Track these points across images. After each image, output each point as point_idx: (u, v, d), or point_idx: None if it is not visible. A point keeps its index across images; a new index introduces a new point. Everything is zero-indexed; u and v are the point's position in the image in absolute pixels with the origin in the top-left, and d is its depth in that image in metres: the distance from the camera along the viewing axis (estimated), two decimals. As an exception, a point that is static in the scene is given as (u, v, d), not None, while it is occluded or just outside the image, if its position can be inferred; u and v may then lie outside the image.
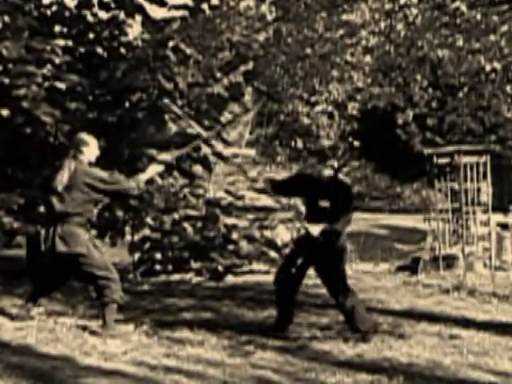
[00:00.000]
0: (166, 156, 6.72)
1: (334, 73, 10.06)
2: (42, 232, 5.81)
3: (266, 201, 9.92)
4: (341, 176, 6.38)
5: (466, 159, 10.90)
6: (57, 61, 7.75)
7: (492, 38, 7.62)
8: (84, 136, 5.99)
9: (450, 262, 11.18)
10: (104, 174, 5.80)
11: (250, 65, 9.24)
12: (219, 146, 9.27)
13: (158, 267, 9.31)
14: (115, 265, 6.38)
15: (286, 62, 9.63)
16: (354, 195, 6.39)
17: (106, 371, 4.57)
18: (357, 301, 6.03)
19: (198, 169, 9.91)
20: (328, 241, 5.83)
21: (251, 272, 9.50)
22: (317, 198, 5.97)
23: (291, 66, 9.89)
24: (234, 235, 9.46)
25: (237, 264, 9.37)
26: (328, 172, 6.03)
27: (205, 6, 8.89)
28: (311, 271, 6.21)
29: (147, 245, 9.46)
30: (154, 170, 6.26)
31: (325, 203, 5.91)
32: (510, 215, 13.43)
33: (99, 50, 8.73)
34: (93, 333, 5.63)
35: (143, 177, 6.08)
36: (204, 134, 6.56)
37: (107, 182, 5.77)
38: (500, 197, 16.68)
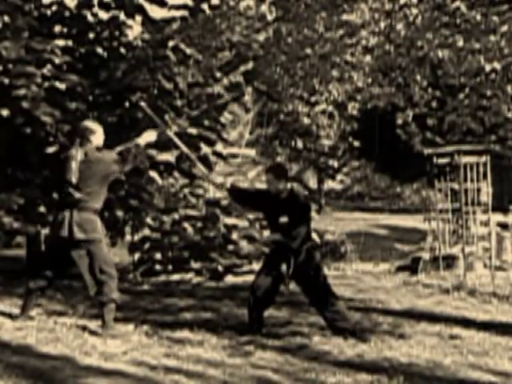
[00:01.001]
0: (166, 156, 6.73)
1: (334, 73, 10.07)
2: (58, 218, 5.74)
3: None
4: (298, 190, 6.33)
5: (465, 159, 10.89)
6: (57, 61, 7.75)
7: (492, 38, 7.61)
8: (90, 124, 6.00)
9: (449, 261, 11.19)
10: (114, 156, 5.77)
11: (250, 65, 9.24)
12: (219, 146, 9.28)
13: (158, 267, 9.32)
14: (115, 265, 6.38)
15: (286, 61, 9.63)
16: (310, 208, 6.32)
17: (106, 371, 4.57)
18: (339, 305, 5.98)
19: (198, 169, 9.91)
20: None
21: (251, 272, 9.49)
22: (276, 214, 5.96)
23: (291, 66, 9.89)
24: (234, 235, 9.47)
25: (237, 264, 9.38)
26: (284, 187, 6.01)
27: (205, 6, 8.90)
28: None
29: (147, 245, 9.46)
30: (148, 136, 6.18)
31: (284, 219, 5.90)
32: (510, 215, 13.44)
33: (99, 50, 8.74)
34: (93, 333, 5.63)
35: (140, 140, 6.03)
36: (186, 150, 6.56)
37: (119, 162, 5.76)
38: (500, 197, 16.67)
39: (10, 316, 6.04)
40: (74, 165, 5.66)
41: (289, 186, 6.10)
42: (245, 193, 6.66)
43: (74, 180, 5.64)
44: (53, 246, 5.89)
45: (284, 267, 5.91)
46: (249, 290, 6.08)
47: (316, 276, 5.96)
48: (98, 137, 5.90)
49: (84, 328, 5.78)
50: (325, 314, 5.94)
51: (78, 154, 5.71)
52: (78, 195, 5.64)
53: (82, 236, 5.60)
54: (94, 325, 5.87)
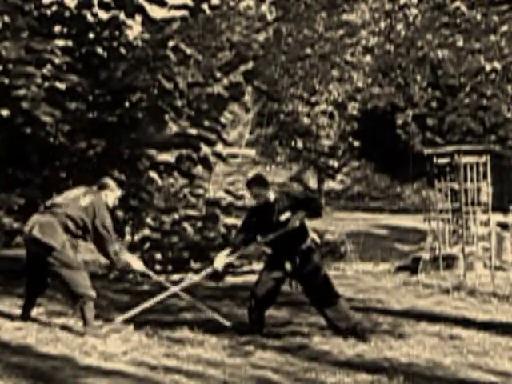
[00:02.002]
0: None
1: (334, 73, 10.08)
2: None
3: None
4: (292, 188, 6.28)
5: (465, 159, 10.89)
6: (57, 61, 7.75)
7: (492, 38, 7.62)
8: (111, 182, 6.13)
9: (450, 262, 11.18)
10: (107, 219, 5.79)
11: (250, 65, 9.25)
12: (219, 146, 9.28)
13: (158, 267, 9.31)
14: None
15: (286, 61, 9.64)
16: (308, 195, 6.24)
17: (106, 371, 4.57)
18: (341, 305, 5.98)
19: (198, 169, 9.92)
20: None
21: (251, 272, 9.49)
22: (275, 220, 5.95)
23: (291, 66, 9.90)
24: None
25: (237, 264, 9.37)
26: (270, 194, 6.01)
27: (205, 6, 8.90)
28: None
29: (147, 245, 9.46)
30: (138, 264, 6.23)
31: (284, 216, 5.90)
32: (510, 215, 13.43)
33: (99, 50, 8.73)
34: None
35: (126, 257, 6.04)
36: None
37: (101, 225, 5.74)
38: (500, 197, 16.65)
39: (10, 316, 6.04)
40: (86, 196, 5.84)
41: (270, 193, 6.08)
42: (243, 234, 6.28)
43: (82, 204, 5.78)
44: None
45: (289, 265, 5.91)
46: (250, 291, 6.07)
47: (317, 275, 5.96)
48: (113, 195, 6.05)
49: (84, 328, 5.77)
50: (326, 314, 5.93)
51: (90, 194, 5.87)
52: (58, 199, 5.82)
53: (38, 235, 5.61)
54: (93, 325, 5.87)
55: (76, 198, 5.81)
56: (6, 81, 7.52)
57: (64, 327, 5.76)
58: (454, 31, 7.86)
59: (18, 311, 6.14)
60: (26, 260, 5.90)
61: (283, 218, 5.90)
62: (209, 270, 6.39)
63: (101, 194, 5.95)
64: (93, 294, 5.66)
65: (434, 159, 11.32)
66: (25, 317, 5.88)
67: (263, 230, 6.04)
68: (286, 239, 5.93)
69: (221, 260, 6.19)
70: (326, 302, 5.93)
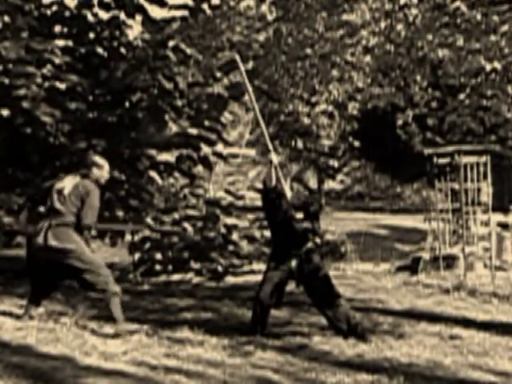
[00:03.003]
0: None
1: (334, 73, 10.06)
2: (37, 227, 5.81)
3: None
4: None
5: (466, 159, 10.89)
6: (57, 61, 7.75)
7: (492, 37, 7.61)
8: (97, 159, 6.07)
9: (450, 262, 11.19)
10: (95, 201, 5.78)
11: (250, 65, 9.24)
12: (219, 146, 9.28)
13: (158, 267, 9.32)
14: (115, 264, 6.38)
15: (286, 61, 9.63)
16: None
17: (106, 371, 4.57)
18: (343, 305, 5.97)
19: (198, 169, 9.92)
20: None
21: (251, 272, 9.49)
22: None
23: (291, 66, 9.89)
24: (234, 235, 9.46)
25: (237, 264, 9.38)
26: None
27: (205, 6, 8.90)
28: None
29: (147, 245, 9.46)
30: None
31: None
32: (511, 215, 13.44)
33: (99, 50, 8.73)
34: (93, 332, 5.63)
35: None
36: None
37: (89, 205, 5.75)
38: (500, 197, 16.66)
39: (11, 316, 6.04)
40: (70, 182, 5.81)
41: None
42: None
43: (65, 192, 5.76)
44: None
45: (294, 263, 5.91)
46: (255, 293, 6.06)
47: (318, 276, 5.96)
48: (101, 172, 5.98)
49: (84, 328, 5.78)
50: (327, 314, 5.93)
51: (76, 178, 5.83)
52: (58, 206, 5.76)
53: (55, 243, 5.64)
54: (94, 325, 5.88)
55: (61, 190, 5.78)
56: (6, 81, 7.52)
57: (64, 327, 5.76)
58: (454, 31, 7.86)
59: (18, 311, 6.14)
60: (35, 264, 5.88)
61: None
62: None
63: (88, 174, 5.87)
64: (117, 289, 5.69)
65: (434, 159, 11.33)
66: (25, 317, 5.88)
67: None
68: (288, 239, 5.94)
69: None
70: (326, 302, 5.93)
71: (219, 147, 9.32)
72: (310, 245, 6.00)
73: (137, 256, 9.48)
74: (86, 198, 5.71)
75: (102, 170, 5.98)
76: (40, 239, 5.68)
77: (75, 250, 5.66)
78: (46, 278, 5.96)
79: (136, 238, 9.69)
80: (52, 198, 5.79)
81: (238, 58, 6.40)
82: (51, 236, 5.65)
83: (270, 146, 6.07)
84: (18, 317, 5.95)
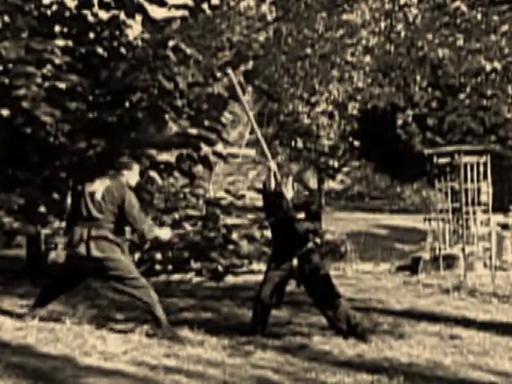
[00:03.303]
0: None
1: (334, 73, 10.04)
2: (74, 235, 5.80)
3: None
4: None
5: (466, 159, 10.90)
6: (57, 61, 7.74)
7: (492, 37, 7.60)
8: (128, 162, 6.14)
9: (450, 262, 11.20)
10: (134, 202, 5.82)
11: (250, 64, 9.24)
12: (219, 146, 9.28)
13: (158, 267, 9.31)
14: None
15: (286, 61, 9.61)
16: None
17: (106, 371, 4.57)
18: (343, 306, 5.97)
19: (198, 169, 9.91)
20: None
21: (251, 272, 9.50)
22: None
23: (291, 66, 9.87)
24: (234, 235, 9.46)
25: (237, 264, 9.37)
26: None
27: (205, 6, 8.89)
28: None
29: (147, 245, 9.46)
30: (165, 232, 6.28)
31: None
32: (511, 215, 13.44)
33: (99, 50, 8.73)
34: (93, 332, 5.63)
35: (156, 231, 6.09)
36: None
37: (132, 207, 5.78)
38: (500, 197, 16.68)
39: (11, 316, 6.04)
40: (101, 186, 5.81)
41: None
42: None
43: (98, 197, 5.76)
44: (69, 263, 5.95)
45: (295, 262, 5.91)
46: (256, 293, 6.06)
47: (319, 276, 5.96)
48: (132, 174, 6.01)
49: (84, 328, 5.78)
50: (328, 314, 5.93)
51: (106, 181, 5.85)
52: (95, 213, 5.77)
53: (98, 254, 5.67)
54: (94, 325, 5.87)
55: (93, 194, 5.79)
56: (6, 81, 7.52)
57: (64, 327, 5.76)
58: (454, 31, 7.84)
59: (18, 311, 6.14)
60: (71, 272, 5.91)
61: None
62: None
63: (118, 177, 5.90)
64: (155, 296, 5.79)
65: (434, 159, 11.33)
66: (28, 317, 5.88)
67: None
68: (289, 239, 5.94)
69: None
70: (327, 302, 5.93)
71: (219, 147, 9.32)
72: (310, 245, 6.00)
73: (137, 256, 9.47)
74: (123, 203, 5.72)
75: (133, 172, 6.01)
76: (82, 249, 5.67)
77: (117, 259, 5.70)
78: (72, 284, 6.04)
79: (136, 237, 9.69)
80: (87, 204, 5.76)
81: (231, 72, 6.43)
82: (94, 247, 5.65)
83: (268, 155, 6.11)
84: (19, 316, 5.94)
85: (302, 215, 5.95)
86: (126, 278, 5.72)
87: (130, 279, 5.73)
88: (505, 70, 8.09)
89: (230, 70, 6.46)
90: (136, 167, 6.09)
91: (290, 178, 6.16)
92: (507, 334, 6.27)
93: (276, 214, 6.06)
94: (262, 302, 5.92)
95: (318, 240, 5.99)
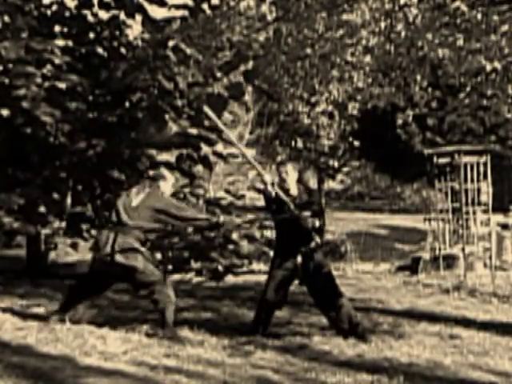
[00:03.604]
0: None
1: (334, 73, 10.04)
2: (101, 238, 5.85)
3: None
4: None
5: (466, 159, 10.89)
6: (57, 61, 7.75)
7: (492, 37, 7.59)
8: (164, 172, 6.25)
9: (450, 262, 11.19)
10: (176, 202, 6.02)
11: (250, 64, 9.24)
12: (219, 146, 9.28)
13: (157, 267, 9.30)
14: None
15: (286, 61, 9.61)
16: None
17: (106, 371, 4.57)
18: (346, 307, 5.96)
19: (198, 169, 9.91)
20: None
21: (251, 272, 9.50)
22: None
23: (291, 66, 9.87)
24: (234, 235, 9.45)
25: (237, 264, 9.36)
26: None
27: (205, 6, 8.89)
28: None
29: (147, 245, 9.44)
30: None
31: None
32: (511, 215, 13.44)
33: (99, 50, 8.73)
34: (93, 332, 5.63)
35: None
36: None
37: (180, 209, 5.94)
38: (500, 197, 16.68)
39: (11, 316, 6.04)
40: (139, 195, 5.91)
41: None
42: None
43: (133, 204, 5.86)
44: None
45: (299, 260, 5.90)
46: (261, 293, 6.05)
47: (322, 274, 5.95)
48: (167, 184, 6.12)
49: (84, 328, 5.78)
50: (330, 315, 5.92)
51: (145, 189, 5.96)
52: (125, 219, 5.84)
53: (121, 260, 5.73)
54: (94, 325, 5.87)
55: (129, 202, 5.86)
56: (6, 81, 7.52)
57: (64, 327, 5.76)
58: (454, 31, 7.84)
59: (18, 311, 6.14)
60: (95, 275, 5.95)
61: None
62: None
63: (153, 186, 6.01)
64: (173, 297, 5.81)
65: (434, 159, 11.32)
66: (53, 318, 5.88)
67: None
68: (292, 237, 5.93)
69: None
70: (330, 302, 5.91)
71: (219, 147, 9.32)
72: (314, 243, 5.99)
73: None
74: (164, 207, 5.82)
75: (168, 183, 6.11)
76: (105, 251, 5.71)
77: (140, 267, 5.75)
78: (98, 288, 6.08)
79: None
80: (118, 210, 5.83)
81: (207, 109, 6.47)
82: (118, 252, 5.70)
83: (261, 171, 6.16)
84: (17, 317, 5.94)
85: (306, 213, 5.94)
86: (148, 284, 5.77)
87: (151, 284, 5.77)
88: (505, 70, 8.08)
89: (206, 107, 6.49)
90: (170, 177, 6.19)
91: (295, 176, 6.17)
92: (507, 333, 6.26)
93: (280, 212, 6.05)
94: (267, 302, 5.91)
95: (318, 240, 5.98)
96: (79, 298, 6.09)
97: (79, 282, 6.18)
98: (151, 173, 6.32)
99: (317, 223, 5.91)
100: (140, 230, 5.81)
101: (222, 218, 6.45)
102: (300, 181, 6.45)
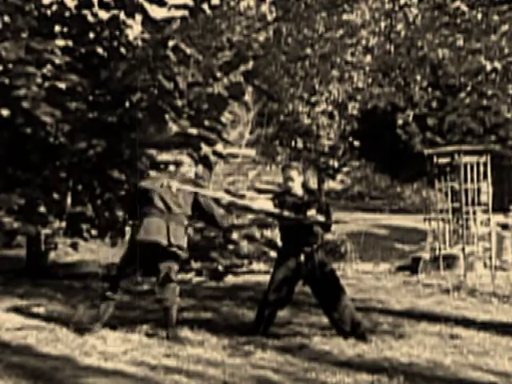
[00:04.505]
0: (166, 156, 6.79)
1: (334, 73, 10.05)
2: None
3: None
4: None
5: (466, 159, 10.89)
6: (57, 61, 7.75)
7: (492, 37, 7.60)
8: (182, 158, 6.35)
9: (450, 262, 11.18)
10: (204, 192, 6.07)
11: (250, 65, 9.24)
12: (219, 146, 9.28)
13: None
14: (115, 264, 6.38)
15: (286, 61, 9.62)
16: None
17: (106, 371, 4.57)
18: (349, 308, 5.96)
19: (198, 169, 9.90)
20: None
21: (251, 272, 9.50)
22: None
23: (291, 66, 9.88)
24: (234, 235, 9.46)
25: (237, 264, 9.37)
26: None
27: (205, 6, 8.89)
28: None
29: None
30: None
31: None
32: (511, 215, 13.44)
33: (99, 50, 8.73)
34: (93, 332, 5.63)
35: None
36: None
37: (205, 199, 5.99)
38: (500, 197, 16.68)
39: (11, 315, 6.04)
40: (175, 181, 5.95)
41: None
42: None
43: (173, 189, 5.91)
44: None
45: (302, 258, 5.90)
46: (264, 293, 6.04)
47: (326, 274, 5.95)
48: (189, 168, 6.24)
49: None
50: (332, 315, 5.91)
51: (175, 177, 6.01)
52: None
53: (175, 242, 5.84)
54: (93, 325, 5.87)
55: (169, 189, 5.86)
56: (6, 81, 7.52)
57: (64, 327, 5.76)
58: (454, 31, 7.85)
59: (18, 311, 6.14)
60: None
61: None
62: None
63: (180, 172, 6.09)
64: (178, 299, 5.82)
65: (435, 159, 11.32)
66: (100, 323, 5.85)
67: None
68: (297, 236, 5.92)
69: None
70: (333, 302, 5.90)
71: (219, 147, 9.32)
72: (318, 243, 5.99)
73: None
74: (196, 195, 5.91)
75: (185, 166, 6.18)
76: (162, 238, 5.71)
77: (182, 256, 5.95)
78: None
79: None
80: (163, 198, 5.82)
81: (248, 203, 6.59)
82: (173, 235, 5.74)
83: (256, 207, 6.27)
84: (17, 317, 5.95)
85: (312, 212, 5.94)
86: (170, 278, 5.81)
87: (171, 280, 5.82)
88: (505, 70, 8.09)
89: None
90: (188, 160, 6.31)
91: (300, 179, 6.18)
92: (507, 333, 6.26)
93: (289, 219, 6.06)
94: (270, 301, 5.91)
95: (323, 238, 5.99)
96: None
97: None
98: (174, 158, 6.37)
99: (322, 219, 5.92)
100: (185, 217, 5.89)
101: (233, 221, 6.47)
102: (305, 184, 6.45)
